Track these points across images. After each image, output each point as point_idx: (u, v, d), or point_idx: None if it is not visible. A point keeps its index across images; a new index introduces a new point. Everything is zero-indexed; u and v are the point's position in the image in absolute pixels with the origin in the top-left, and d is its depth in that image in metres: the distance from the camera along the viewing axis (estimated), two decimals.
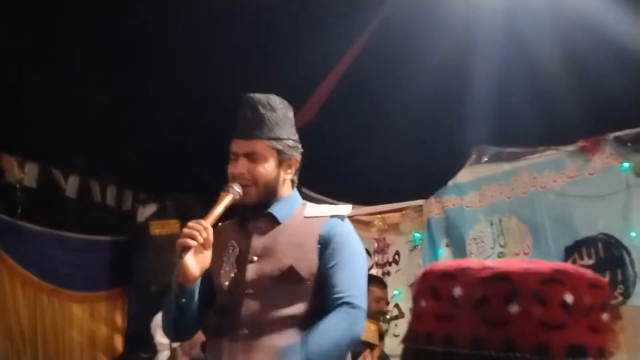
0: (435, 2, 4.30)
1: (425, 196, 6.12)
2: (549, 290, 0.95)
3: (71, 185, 6.35)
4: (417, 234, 6.25)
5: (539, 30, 4.30)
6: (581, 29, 4.27)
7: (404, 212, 6.31)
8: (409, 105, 4.77)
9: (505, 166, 5.59)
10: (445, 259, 5.85)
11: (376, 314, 5.33)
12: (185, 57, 4.74)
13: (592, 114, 4.91)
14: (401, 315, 6.10)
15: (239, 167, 2.52)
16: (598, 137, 5.10)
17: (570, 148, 5.24)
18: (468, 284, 0.98)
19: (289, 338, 2.40)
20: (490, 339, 0.95)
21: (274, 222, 2.55)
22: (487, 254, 5.64)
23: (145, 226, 6.72)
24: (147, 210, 6.77)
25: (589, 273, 1.00)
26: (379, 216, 6.36)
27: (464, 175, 5.85)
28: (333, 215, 2.55)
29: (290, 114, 2.65)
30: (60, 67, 4.72)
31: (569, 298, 0.95)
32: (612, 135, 5.02)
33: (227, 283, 2.52)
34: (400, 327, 6.05)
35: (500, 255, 5.57)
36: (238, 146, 2.55)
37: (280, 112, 2.58)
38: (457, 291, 0.98)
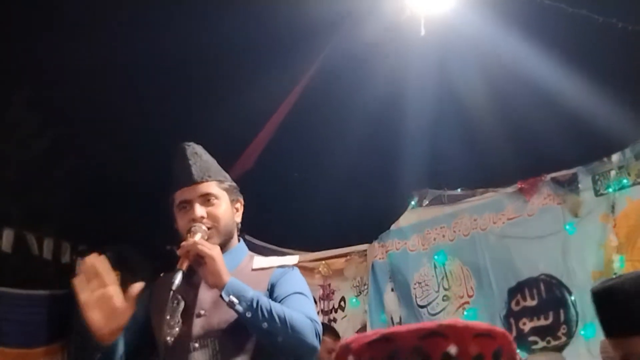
0: (369, 52, 4.33)
1: (368, 241, 6.11)
2: (430, 344, 0.97)
3: (6, 239, 6.17)
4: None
5: (472, 76, 4.39)
6: (514, 74, 4.37)
7: (348, 257, 6.29)
8: (348, 151, 4.79)
9: (447, 209, 5.63)
10: (391, 303, 5.86)
11: None
12: (122, 105, 4.67)
13: (528, 156, 4.99)
14: None
15: (197, 211, 2.44)
16: (535, 179, 5.18)
17: (509, 190, 5.31)
18: (358, 350, 1.03)
19: None
20: None
21: None
22: (432, 298, 5.64)
23: None
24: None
25: (478, 325, 1.02)
26: (323, 262, 6.32)
27: (406, 219, 5.87)
28: (280, 265, 2.49)
29: None
30: None
31: (452, 350, 0.97)
32: (548, 177, 5.10)
33: (170, 338, 2.40)
34: None
35: (445, 298, 5.57)
36: (189, 193, 2.47)
37: (213, 161, 2.57)
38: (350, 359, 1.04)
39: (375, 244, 6.04)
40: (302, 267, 6.28)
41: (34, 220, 6.10)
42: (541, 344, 4.91)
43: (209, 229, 2.43)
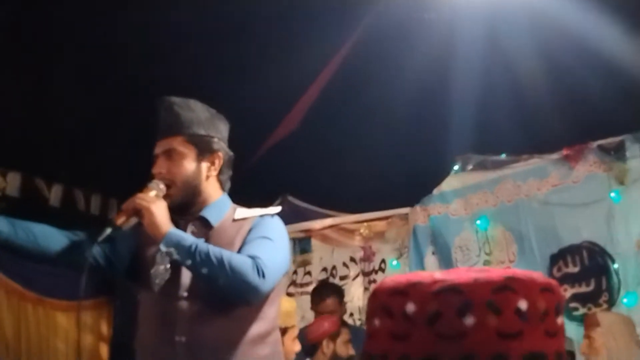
0: (417, 12, 4.30)
1: (410, 204, 6.11)
2: (502, 298, 0.93)
3: (55, 194, 6.30)
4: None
5: (521, 39, 4.31)
6: (564, 37, 4.28)
7: (389, 220, 6.30)
8: (394, 114, 4.77)
9: (490, 174, 5.59)
10: (432, 267, 5.88)
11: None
12: (169, 67, 4.70)
13: (575, 123, 4.92)
14: None
15: (157, 166, 2.52)
16: (581, 146, 5.10)
17: (554, 156, 5.25)
18: (420, 299, 0.95)
19: (227, 341, 2.38)
20: (446, 354, 0.92)
21: (207, 226, 2.53)
22: (472, 262, 5.64)
23: None
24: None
25: (539, 277, 0.99)
26: (364, 224, 6.35)
27: (449, 184, 5.85)
28: (262, 215, 2.53)
29: (216, 118, 2.64)
30: (43, 74, 4.69)
31: (522, 305, 0.94)
32: (595, 144, 5.03)
33: (158, 282, 2.47)
34: None
35: (486, 263, 5.57)
36: (157, 147, 2.56)
37: (200, 113, 2.59)
38: (410, 307, 0.96)
39: (417, 207, 6.03)
40: (343, 229, 6.37)
41: (82, 176, 6.22)
42: (582, 310, 4.89)
43: (167, 185, 2.49)
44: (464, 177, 5.75)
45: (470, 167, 5.68)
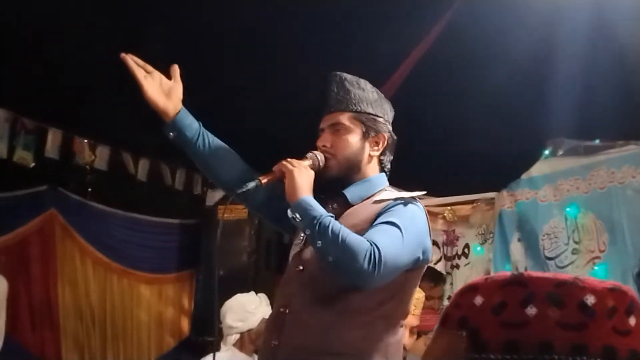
0: None
1: (497, 189, 5.96)
2: (566, 291, 0.99)
3: (142, 169, 6.42)
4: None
5: (626, 20, 4.10)
6: None
7: (474, 204, 6.17)
8: (484, 96, 4.64)
9: (583, 160, 5.38)
10: (517, 253, 5.74)
11: None
12: (268, 47, 4.68)
13: None
14: None
15: (322, 139, 2.52)
16: None
17: None
18: (488, 291, 1.03)
19: (322, 320, 2.33)
20: (561, 343, 0.97)
21: (347, 204, 2.48)
22: (560, 250, 5.47)
23: (213, 210, 6.76)
24: (216, 195, 6.80)
25: (610, 282, 1.03)
26: (448, 208, 6.23)
27: (539, 169, 5.66)
28: (397, 198, 2.43)
29: (383, 101, 2.61)
30: (134, 48, 4.73)
31: (589, 299, 0.99)
32: None
33: (292, 253, 2.51)
34: None
35: (575, 251, 5.39)
36: (324, 121, 2.56)
37: (369, 92, 2.57)
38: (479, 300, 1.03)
39: (504, 192, 5.87)
40: (426, 212, 6.26)
41: (168, 151, 6.29)
42: None
43: (327, 158, 2.48)
44: (554, 162, 5.55)
45: (561, 152, 5.49)
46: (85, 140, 5.97)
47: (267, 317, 3.06)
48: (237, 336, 4.11)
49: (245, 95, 5.21)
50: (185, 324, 7.10)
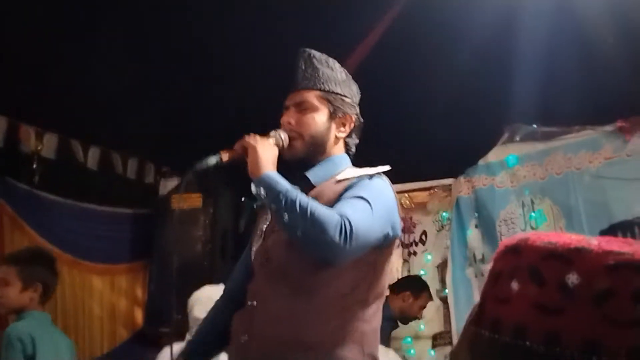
0: None
1: (454, 175, 5.95)
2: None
3: (92, 157, 6.25)
4: (444, 214, 6.10)
5: (587, 5, 4.06)
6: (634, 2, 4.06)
7: (432, 191, 6.17)
8: (442, 81, 4.56)
9: (539, 146, 5.41)
10: (474, 240, 5.73)
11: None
12: (222, 21, 4.54)
13: (630, 94, 4.70)
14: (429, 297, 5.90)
15: (286, 116, 2.45)
16: (637, 117, 4.93)
17: (608, 128, 5.07)
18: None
19: (293, 309, 2.25)
20: (612, 342, 0.78)
21: (309, 185, 2.40)
22: None
23: (167, 200, 6.63)
24: (169, 184, 6.68)
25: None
26: (406, 195, 6.21)
27: (496, 155, 5.68)
28: (361, 175, 2.35)
29: (351, 82, 2.54)
30: (83, 35, 4.57)
31: (573, 278, 0.82)
32: None
33: (254, 249, 2.44)
34: (428, 311, 5.90)
35: None
36: (289, 98, 2.47)
37: (337, 72, 2.49)
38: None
39: (461, 178, 5.88)
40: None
41: (119, 139, 6.15)
42: None
43: (291, 138, 2.40)
44: (511, 148, 5.57)
45: (518, 137, 5.50)
46: (32, 127, 5.78)
47: None
48: None
49: (190, 74, 5.08)
50: (138, 315, 6.96)
